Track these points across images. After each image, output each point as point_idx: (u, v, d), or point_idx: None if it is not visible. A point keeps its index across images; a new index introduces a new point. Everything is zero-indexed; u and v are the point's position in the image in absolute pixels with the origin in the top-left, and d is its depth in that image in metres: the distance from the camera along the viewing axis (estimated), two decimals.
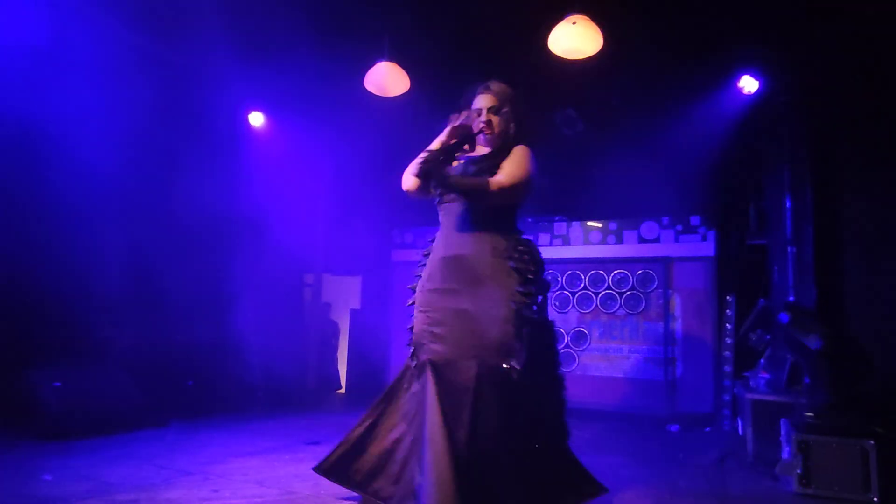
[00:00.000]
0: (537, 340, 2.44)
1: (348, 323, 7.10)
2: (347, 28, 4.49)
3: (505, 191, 2.44)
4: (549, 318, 2.76)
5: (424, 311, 2.52)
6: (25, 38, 3.88)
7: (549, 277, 5.88)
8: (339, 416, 5.34)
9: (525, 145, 2.56)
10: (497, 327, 2.36)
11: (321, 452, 3.71)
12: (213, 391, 5.03)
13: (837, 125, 4.17)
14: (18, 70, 3.97)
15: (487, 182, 2.43)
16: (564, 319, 5.75)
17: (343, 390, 7.16)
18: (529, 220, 6.00)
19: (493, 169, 2.49)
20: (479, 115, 2.58)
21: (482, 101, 2.59)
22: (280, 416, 5.12)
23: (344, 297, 7.79)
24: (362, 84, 4.70)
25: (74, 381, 4.06)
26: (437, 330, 2.45)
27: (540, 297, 2.58)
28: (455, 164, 2.61)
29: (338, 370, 7.38)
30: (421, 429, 2.29)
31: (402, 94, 4.74)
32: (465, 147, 2.63)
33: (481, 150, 2.66)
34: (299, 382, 6.83)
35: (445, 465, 2.14)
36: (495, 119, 2.57)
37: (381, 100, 4.84)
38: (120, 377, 4.43)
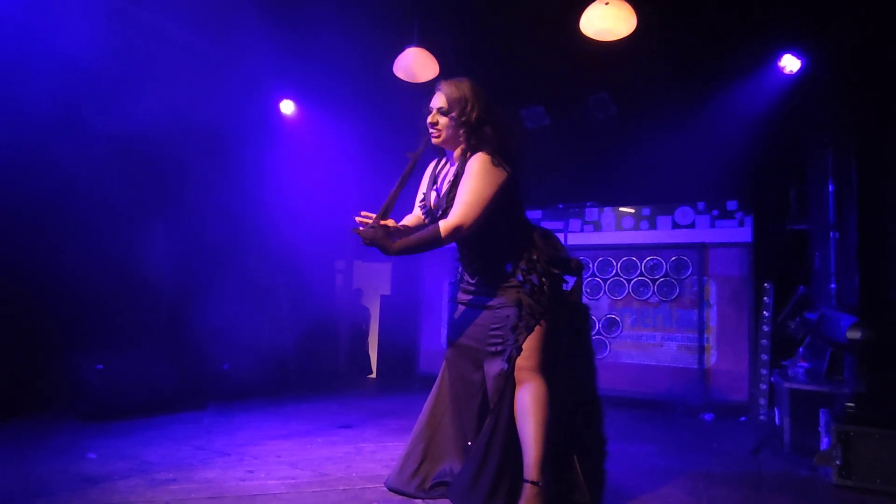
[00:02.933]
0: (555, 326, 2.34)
1: (379, 308, 7.17)
2: (376, 13, 4.47)
3: (459, 230, 2.21)
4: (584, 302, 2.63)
5: None
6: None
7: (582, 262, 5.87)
8: (370, 400, 5.40)
9: (484, 153, 2.26)
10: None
11: (353, 436, 3.79)
12: (248, 375, 5.14)
13: (884, 105, 3.99)
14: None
15: (438, 230, 2.20)
16: (596, 306, 5.68)
17: (374, 375, 7.25)
18: (560, 206, 5.94)
19: None
20: (429, 114, 2.37)
21: (433, 101, 2.38)
22: (313, 399, 5.20)
23: (375, 283, 7.87)
24: (391, 70, 4.69)
25: (116, 364, 4.19)
26: None
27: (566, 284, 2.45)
28: (435, 185, 2.47)
29: (369, 355, 7.48)
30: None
31: (431, 80, 4.71)
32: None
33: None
34: (331, 367, 6.95)
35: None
36: (443, 120, 2.34)
37: (411, 85, 4.83)
38: (159, 361, 4.56)
